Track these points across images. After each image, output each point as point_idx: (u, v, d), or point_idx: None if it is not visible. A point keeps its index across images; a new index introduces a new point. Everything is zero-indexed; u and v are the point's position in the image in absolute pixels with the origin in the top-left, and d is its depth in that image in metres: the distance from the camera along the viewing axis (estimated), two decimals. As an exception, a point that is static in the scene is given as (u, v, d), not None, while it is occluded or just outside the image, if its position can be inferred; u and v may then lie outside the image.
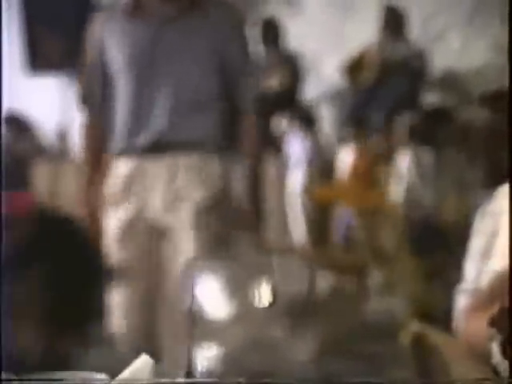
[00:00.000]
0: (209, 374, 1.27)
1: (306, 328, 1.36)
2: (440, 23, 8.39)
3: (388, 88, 8.00)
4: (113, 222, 3.31)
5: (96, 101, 3.43)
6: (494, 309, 1.40)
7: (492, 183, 2.25)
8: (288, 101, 8.35)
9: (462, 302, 1.71)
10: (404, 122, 7.01)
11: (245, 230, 3.48)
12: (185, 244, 3.21)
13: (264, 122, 8.41)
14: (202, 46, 3.30)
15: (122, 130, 3.33)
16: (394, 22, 8.13)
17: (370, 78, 8.11)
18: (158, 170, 3.27)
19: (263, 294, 1.32)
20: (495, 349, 1.34)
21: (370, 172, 7.49)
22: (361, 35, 8.28)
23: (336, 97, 8.61)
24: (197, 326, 1.27)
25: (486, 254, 1.66)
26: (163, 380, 1.30)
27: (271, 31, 8.58)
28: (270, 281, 1.31)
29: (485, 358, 1.44)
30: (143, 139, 3.28)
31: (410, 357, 1.49)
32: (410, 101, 7.77)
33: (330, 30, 8.73)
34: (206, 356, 1.28)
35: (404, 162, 6.57)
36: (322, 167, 7.70)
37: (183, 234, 3.23)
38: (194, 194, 3.26)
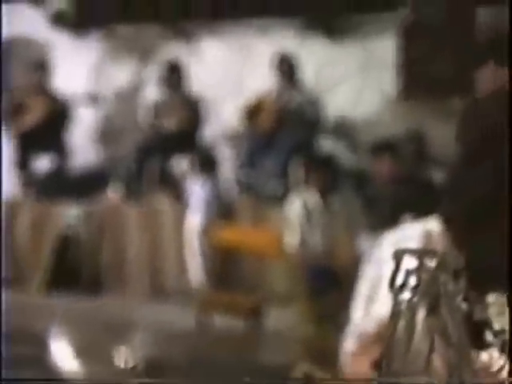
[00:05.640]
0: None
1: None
2: (334, 73, 8.58)
3: (285, 134, 8.12)
4: None
5: None
6: (378, 352, 1.44)
7: (380, 229, 2.32)
8: (188, 143, 8.41)
9: (348, 344, 1.75)
10: (298, 167, 7.11)
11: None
12: None
13: (164, 163, 8.50)
14: None
15: None
16: (287, 70, 8.30)
17: (268, 124, 8.23)
18: None
19: (124, 358, 1.33)
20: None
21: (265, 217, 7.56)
22: (258, 81, 8.41)
23: (235, 141, 8.70)
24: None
25: (371, 299, 1.70)
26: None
27: (175, 73, 8.66)
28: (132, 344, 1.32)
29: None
30: None
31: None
32: (305, 147, 7.90)
33: (229, 76, 8.85)
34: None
35: (295, 206, 6.65)
36: (221, 210, 7.75)
37: None
38: None
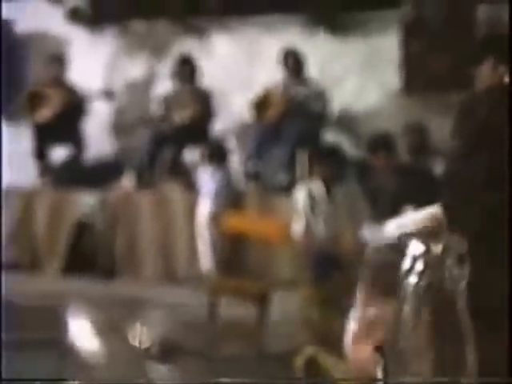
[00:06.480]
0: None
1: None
2: (338, 68, 8.56)
3: (291, 126, 8.10)
4: None
5: None
6: (381, 335, 1.43)
7: (382, 219, 2.31)
8: (200, 134, 8.40)
9: (352, 327, 1.74)
10: (304, 158, 7.10)
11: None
12: None
13: (176, 154, 8.49)
14: None
15: None
16: (293, 64, 8.28)
17: (275, 116, 8.21)
18: None
19: (140, 337, 1.31)
20: (379, 373, 1.38)
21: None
22: (266, 76, 8.40)
23: (243, 132, 8.69)
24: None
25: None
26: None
27: (186, 68, 8.64)
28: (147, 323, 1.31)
29: (373, 380, 1.48)
30: None
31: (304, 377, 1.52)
32: (310, 139, 7.89)
33: (238, 70, 8.83)
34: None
35: (300, 196, 6.63)
36: (230, 199, 7.74)
37: None
38: None
